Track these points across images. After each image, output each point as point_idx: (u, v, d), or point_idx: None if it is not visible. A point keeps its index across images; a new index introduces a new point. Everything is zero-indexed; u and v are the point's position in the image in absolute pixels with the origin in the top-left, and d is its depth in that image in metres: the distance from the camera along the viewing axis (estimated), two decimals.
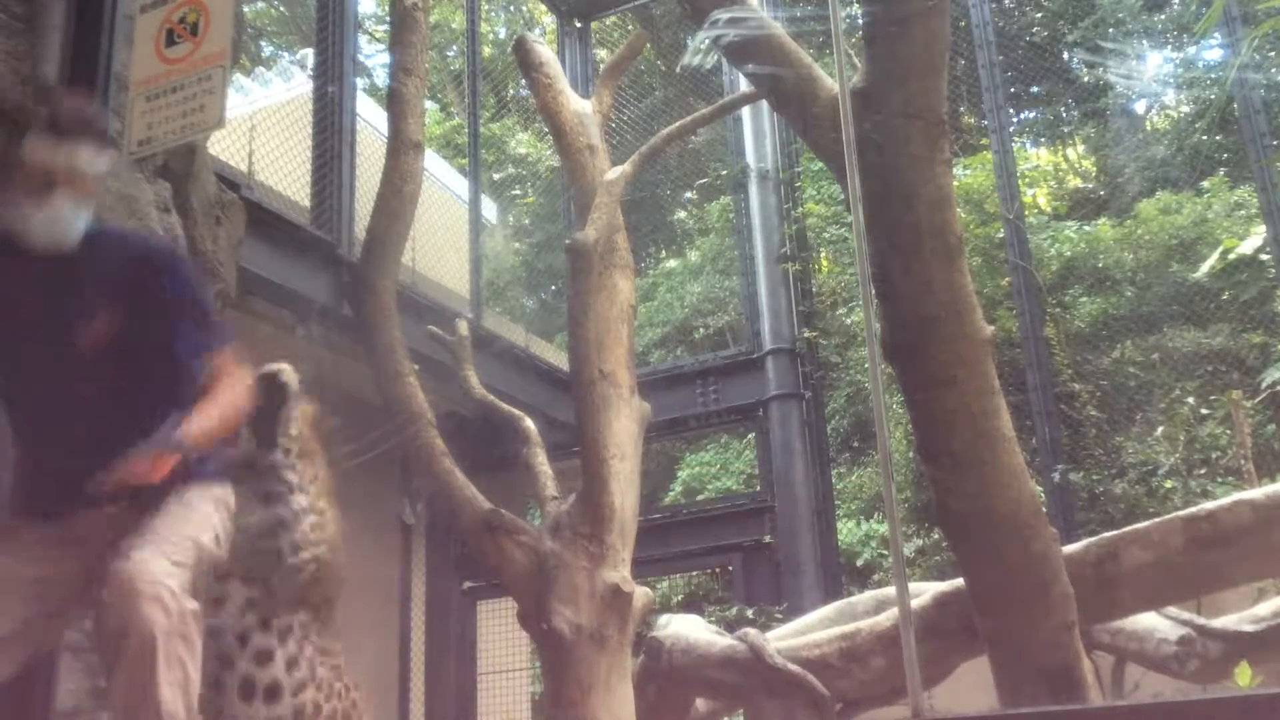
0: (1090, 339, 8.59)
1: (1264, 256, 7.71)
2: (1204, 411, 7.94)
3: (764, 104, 7.64)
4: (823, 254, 10.28)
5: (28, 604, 2.36)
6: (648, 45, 9.11)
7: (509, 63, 9.09)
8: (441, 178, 8.53)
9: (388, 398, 5.26)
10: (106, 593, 2.21)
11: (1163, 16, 10.65)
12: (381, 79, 11.09)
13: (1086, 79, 10.61)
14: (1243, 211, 8.53)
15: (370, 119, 6.96)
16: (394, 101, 5.81)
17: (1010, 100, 9.48)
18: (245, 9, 11.66)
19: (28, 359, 2.50)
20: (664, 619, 5.36)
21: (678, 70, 10.35)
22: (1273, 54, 8.54)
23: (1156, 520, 4.11)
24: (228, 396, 2.51)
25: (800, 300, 8.76)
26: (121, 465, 2.25)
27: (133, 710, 2.17)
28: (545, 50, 6.43)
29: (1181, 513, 4.09)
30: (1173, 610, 4.58)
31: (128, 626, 2.17)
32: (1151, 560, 3.97)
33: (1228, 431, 7.42)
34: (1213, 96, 9.22)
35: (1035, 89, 10.88)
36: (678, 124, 6.55)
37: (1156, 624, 4.62)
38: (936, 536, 7.97)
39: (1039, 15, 10.98)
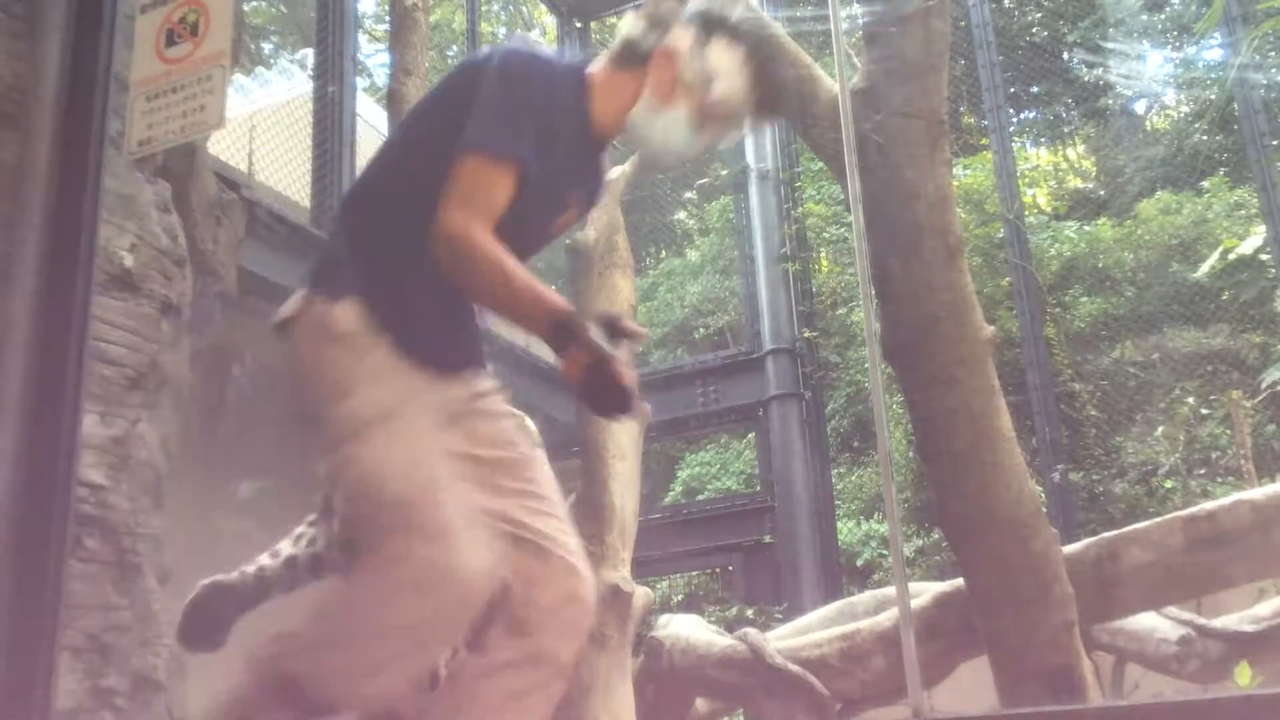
0: (1090, 339, 8.59)
1: (1264, 256, 7.70)
2: (1204, 411, 7.94)
3: None
4: (823, 254, 10.28)
5: None
6: None
7: None
8: None
9: None
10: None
11: (1163, 16, 10.65)
12: (381, 79, 11.09)
13: (1086, 79, 10.61)
14: (1243, 211, 8.53)
15: (370, 119, 6.97)
16: (394, 101, 5.80)
17: (1010, 100, 9.48)
18: (245, 9, 11.66)
19: (538, 228, 2.26)
20: (664, 619, 5.36)
21: None
22: (1273, 54, 8.54)
23: (1156, 520, 4.11)
24: None
25: (800, 300, 8.76)
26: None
27: None
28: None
29: (1181, 513, 4.09)
30: (1173, 610, 4.57)
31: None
32: (1151, 560, 3.97)
33: (1228, 431, 7.42)
34: (1213, 96, 9.22)
35: (1035, 89, 10.88)
36: None
37: (1156, 624, 4.61)
38: (936, 536, 7.97)
39: (1039, 15, 10.97)
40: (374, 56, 13.42)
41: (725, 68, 2.13)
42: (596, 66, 2.22)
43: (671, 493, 10.92)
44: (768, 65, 2.18)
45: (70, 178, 2.82)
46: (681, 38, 2.13)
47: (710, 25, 2.14)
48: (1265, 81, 7.88)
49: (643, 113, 2.15)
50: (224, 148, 5.50)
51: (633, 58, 2.17)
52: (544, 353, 8.29)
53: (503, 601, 1.89)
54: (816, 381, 8.59)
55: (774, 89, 2.23)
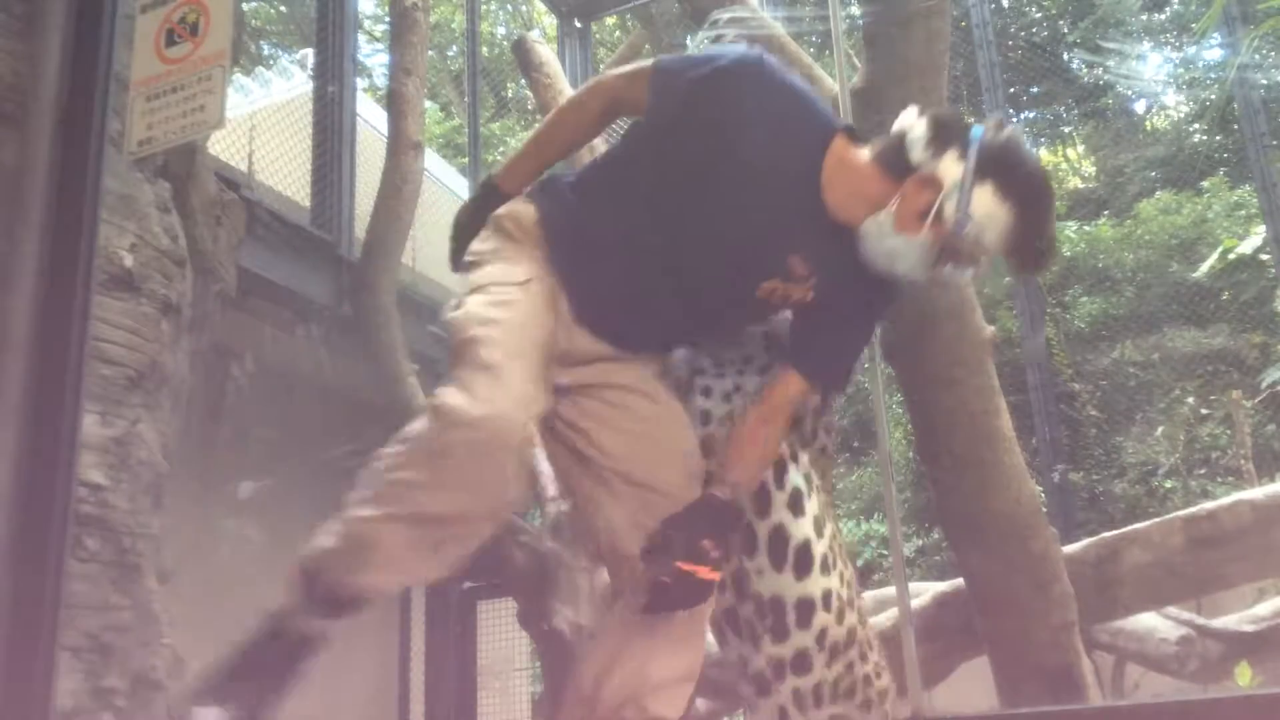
0: (1090, 339, 8.59)
1: (1264, 256, 7.70)
2: (1204, 411, 7.94)
3: None
4: None
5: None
6: (647, 45, 9.11)
7: (509, 63, 9.09)
8: (441, 178, 8.53)
9: (388, 398, 5.26)
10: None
11: (1163, 16, 10.65)
12: (381, 79, 11.08)
13: (1086, 79, 10.61)
14: (1243, 211, 8.53)
15: (370, 119, 6.96)
16: (394, 101, 5.81)
17: (1010, 100, 9.48)
18: (245, 9, 11.65)
19: (728, 219, 2.04)
20: None
21: None
22: (1273, 54, 8.53)
23: (1156, 520, 4.10)
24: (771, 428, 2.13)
25: None
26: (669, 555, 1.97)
27: None
28: (545, 50, 6.43)
29: (1181, 513, 4.08)
30: (1173, 610, 4.57)
31: None
32: (1151, 560, 3.97)
33: (1228, 431, 7.42)
34: (1213, 96, 9.22)
35: (1035, 89, 10.88)
36: None
37: (1156, 624, 4.61)
38: (936, 536, 7.97)
39: (1039, 15, 10.98)
40: (374, 56, 13.41)
41: (988, 214, 1.93)
42: (847, 139, 2.03)
43: None
44: (1036, 224, 2.00)
45: (70, 178, 2.82)
46: (953, 168, 1.93)
47: (990, 167, 1.93)
48: (1265, 81, 7.88)
49: (880, 226, 1.95)
50: (224, 148, 5.50)
51: (896, 164, 1.96)
52: None
53: None
54: None
55: (1034, 251, 2.08)
